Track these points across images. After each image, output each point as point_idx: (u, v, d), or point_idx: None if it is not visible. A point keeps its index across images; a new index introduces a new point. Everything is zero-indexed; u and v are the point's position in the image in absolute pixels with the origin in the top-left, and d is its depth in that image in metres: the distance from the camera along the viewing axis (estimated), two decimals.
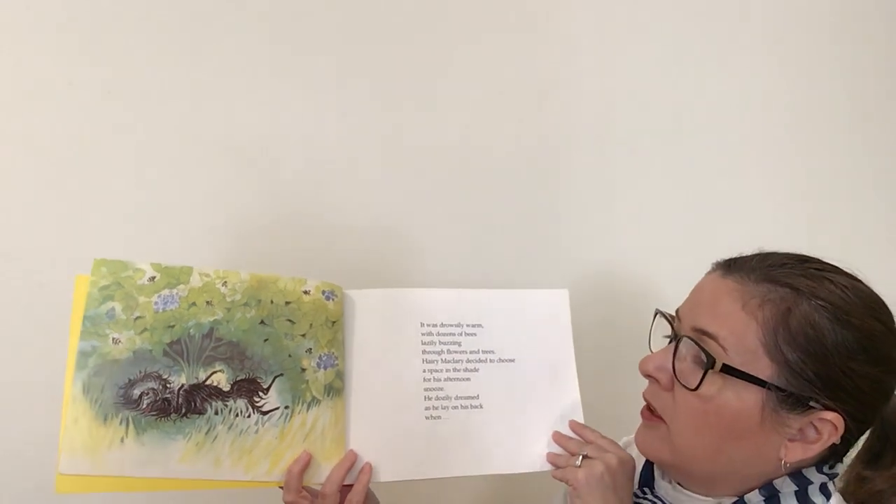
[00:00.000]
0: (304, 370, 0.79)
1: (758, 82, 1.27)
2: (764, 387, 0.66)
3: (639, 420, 0.81)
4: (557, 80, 1.20)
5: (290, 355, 0.79)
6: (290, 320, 0.80)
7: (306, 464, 0.77)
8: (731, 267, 0.74)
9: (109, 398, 0.73)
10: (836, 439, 0.67)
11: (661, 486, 0.79)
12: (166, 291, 0.77)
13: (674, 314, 0.77)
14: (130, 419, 0.73)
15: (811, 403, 0.66)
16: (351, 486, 0.78)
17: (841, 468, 0.73)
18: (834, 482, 0.72)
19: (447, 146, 1.15)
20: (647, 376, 0.76)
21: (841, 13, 1.30)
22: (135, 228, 1.03)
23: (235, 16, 1.07)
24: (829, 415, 0.66)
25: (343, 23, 1.10)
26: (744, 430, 0.68)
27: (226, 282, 0.79)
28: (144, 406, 0.74)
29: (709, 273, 0.77)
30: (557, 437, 0.84)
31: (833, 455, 0.72)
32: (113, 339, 0.75)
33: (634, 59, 1.22)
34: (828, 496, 0.71)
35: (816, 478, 0.71)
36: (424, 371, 0.84)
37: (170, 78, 1.04)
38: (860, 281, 0.71)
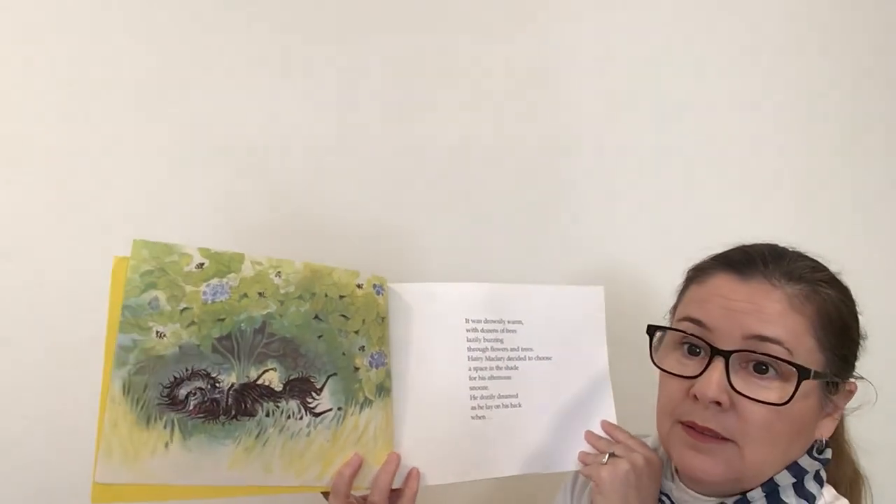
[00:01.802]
0: (357, 369, 0.74)
1: (759, 83, 1.27)
2: (825, 379, 0.70)
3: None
4: (558, 80, 1.17)
5: (343, 353, 0.74)
6: (343, 315, 0.74)
7: (358, 467, 0.73)
8: (743, 270, 0.72)
9: (153, 399, 0.65)
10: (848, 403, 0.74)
11: (666, 484, 0.79)
12: (216, 280, 0.69)
13: (688, 324, 0.73)
14: (176, 422, 0.66)
15: (841, 380, 0.72)
16: (397, 489, 0.75)
17: (829, 453, 0.74)
18: (824, 468, 0.74)
19: (447, 146, 1.11)
20: (711, 402, 0.69)
21: (842, 13, 1.31)
22: (134, 228, 0.93)
23: (235, 15, 1.01)
24: (849, 384, 0.73)
25: (343, 22, 1.05)
26: (807, 424, 0.71)
27: (279, 272, 0.72)
28: (191, 407, 0.67)
29: (712, 278, 0.74)
30: (589, 436, 0.84)
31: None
32: (157, 332, 0.66)
33: (635, 59, 1.21)
34: (821, 483, 0.73)
35: (811, 465, 0.72)
36: (470, 369, 0.81)
37: (169, 77, 0.99)
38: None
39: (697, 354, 0.73)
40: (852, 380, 0.74)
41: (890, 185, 1.32)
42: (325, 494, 0.74)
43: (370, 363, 0.75)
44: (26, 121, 0.94)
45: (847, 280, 0.76)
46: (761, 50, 1.27)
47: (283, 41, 1.04)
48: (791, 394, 0.67)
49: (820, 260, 0.75)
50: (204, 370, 0.68)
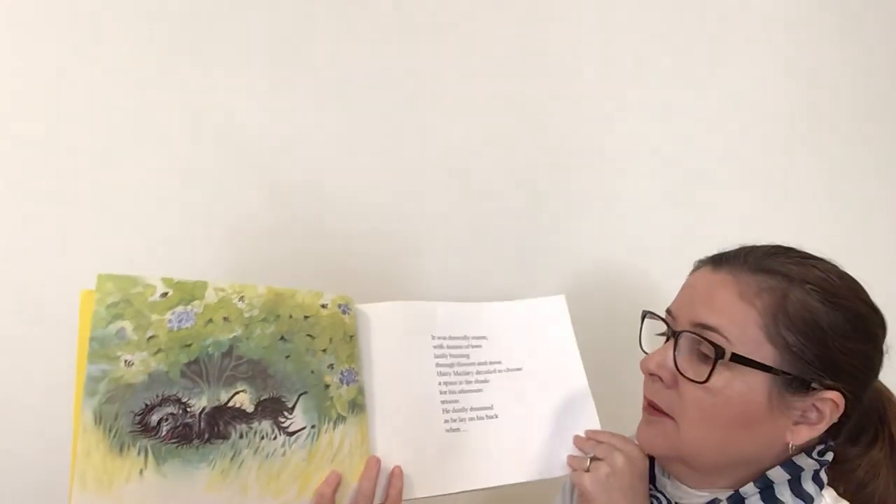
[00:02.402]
0: (327, 387, 0.76)
1: (757, 84, 1.28)
2: (770, 372, 0.68)
3: (639, 418, 0.82)
4: (558, 81, 1.19)
5: (312, 372, 0.75)
6: (310, 335, 0.76)
7: (337, 484, 0.73)
8: (719, 262, 0.75)
9: (125, 426, 0.66)
10: (836, 417, 0.70)
11: (662, 482, 0.80)
12: (180, 308, 0.71)
13: (665, 314, 0.78)
14: (149, 448, 0.67)
15: (813, 385, 0.69)
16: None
17: (830, 456, 0.73)
18: (825, 471, 0.73)
19: (447, 147, 1.13)
20: (650, 375, 0.76)
21: (840, 14, 1.33)
22: (134, 230, 0.98)
23: (235, 15, 1.03)
24: (830, 394, 0.69)
25: (343, 23, 1.08)
26: (753, 418, 0.70)
27: (242, 296, 0.74)
28: (164, 433, 0.68)
29: (696, 270, 0.78)
30: (575, 440, 0.84)
31: (823, 440, 0.73)
32: (125, 361, 0.68)
33: (635, 60, 1.23)
34: (820, 485, 0.72)
35: (808, 464, 0.72)
36: (440, 384, 0.83)
37: (169, 78, 1.00)
38: (837, 265, 0.74)
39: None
40: (837, 392, 0.69)
41: (890, 184, 1.32)
42: None
43: (341, 380, 0.77)
44: (26, 123, 0.94)
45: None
46: (763, 51, 1.29)
47: (284, 42, 1.06)
48: (709, 372, 0.69)
49: (829, 263, 0.74)
50: (174, 396, 0.69)
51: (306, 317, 0.77)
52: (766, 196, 1.30)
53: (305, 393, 0.75)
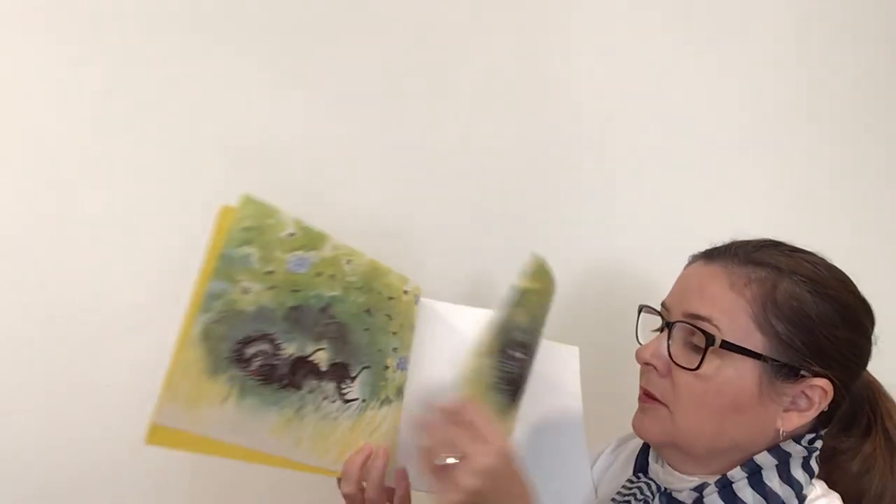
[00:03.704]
0: (387, 368, 0.79)
1: (758, 82, 1.29)
2: (759, 359, 0.71)
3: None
4: (557, 80, 1.19)
5: (380, 350, 0.78)
6: (388, 315, 0.79)
7: (368, 455, 0.76)
8: (711, 256, 0.79)
9: (224, 351, 0.66)
10: (825, 405, 0.73)
11: (654, 469, 0.82)
12: (301, 252, 0.71)
13: (660, 307, 0.81)
14: (237, 379, 0.66)
15: (802, 372, 0.72)
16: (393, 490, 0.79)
17: (820, 443, 0.76)
18: (816, 459, 0.76)
19: (447, 146, 1.14)
20: (645, 364, 0.78)
21: (839, 14, 1.36)
22: (134, 227, 0.96)
23: (235, 15, 1.01)
24: (819, 381, 0.72)
25: (343, 22, 1.07)
26: (743, 404, 0.72)
27: (350, 260, 0.75)
28: (254, 368, 0.68)
29: (689, 265, 0.81)
30: None
31: (813, 428, 0.76)
32: (243, 287, 0.67)
33: (635, 59, 1.23)
34: (811, 474, 0.74)
35: (796, 450, 0.74)
36: None
37: (168, 78, 0.97)
38: (826, 258, 0.78)
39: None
40: (824, 378, 0.72)
41: (889, 184, 1.36)
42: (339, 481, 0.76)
43: (398, 365, 0.80)
44: (26, 121, 0.91)
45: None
46: (761, 51, 1.31)
47: (284, 41, 1.04)
48: (700, 360, 0.72)
49: (818, 256, 0.77)
50: (272, 335, 0.69)
51: (390, 297, 0.79)
52: (769, 195, 1.32)
53: (368, 367, 0.77)
